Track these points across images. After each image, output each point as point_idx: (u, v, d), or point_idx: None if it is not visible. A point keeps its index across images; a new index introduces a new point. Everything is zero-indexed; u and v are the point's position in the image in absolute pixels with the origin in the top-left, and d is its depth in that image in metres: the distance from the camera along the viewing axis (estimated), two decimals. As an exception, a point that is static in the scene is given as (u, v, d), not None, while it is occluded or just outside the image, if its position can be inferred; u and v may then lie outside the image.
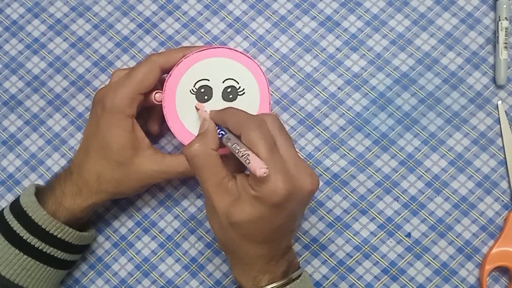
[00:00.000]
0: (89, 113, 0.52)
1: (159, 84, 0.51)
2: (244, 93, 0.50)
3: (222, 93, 0.50)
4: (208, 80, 0.50)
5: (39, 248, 0.48)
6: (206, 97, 0.50)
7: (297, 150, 0.42)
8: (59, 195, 0.49)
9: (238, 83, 0.50)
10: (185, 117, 0.50)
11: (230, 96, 0.50)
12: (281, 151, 0.41)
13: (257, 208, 0.40)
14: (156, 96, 0.51)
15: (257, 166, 0.39)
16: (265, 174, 0.38)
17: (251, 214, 0.41)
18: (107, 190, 0.50)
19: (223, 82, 0.50)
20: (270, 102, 0.50)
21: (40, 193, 0.50)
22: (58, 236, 0.48)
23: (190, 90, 0.50)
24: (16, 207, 0.49)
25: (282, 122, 0.44)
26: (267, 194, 0.39)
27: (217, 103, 0.50)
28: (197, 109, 0.50)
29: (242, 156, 0.40)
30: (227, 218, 0.42)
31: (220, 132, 0.44)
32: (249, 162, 0.39)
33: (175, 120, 0.50)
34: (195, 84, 0.50)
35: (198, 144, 0.43)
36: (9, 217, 0.48)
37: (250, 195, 0.41)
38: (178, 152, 0.57)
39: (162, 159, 0.50)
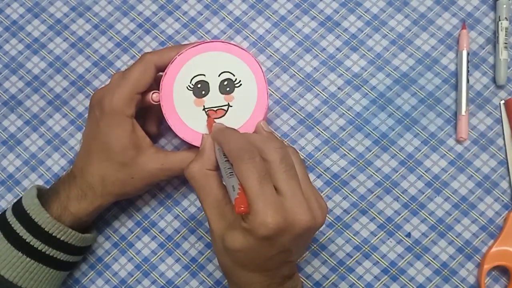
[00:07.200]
0: (89, 113, 0.52)
1: (155, 83, 0.51)
2: (241, 84, 0.50)
3: (219, 86, 0.50)
4: (204, 75, 0.50)
5: (42, 250, 0.48)
6: (203, 92, 0.50)
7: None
8: (64, 200, 0.49)
9: (234, 75, 0.50)
10: (184, 113, 0.50)
11: (228, 89, 0.50)
12: (278, 183, 0.40)
13: (247, 239, 0.40)
14: (153, 96, 0.50)
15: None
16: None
17: (241, 244, 0.40)
18: (112, 192, 0.50)
19: (219, 75, 0.50)
20: (267, 91, 0.50)
21: (44, 196, 0.49)
22: (61, 238, 0.48)
23: (187, 87, 0.50)
24: (18, 209, 0.48)
25: (287, 144, 0.41)
26: (255, 227, 0.39)
27: (215, 97, 0.50)
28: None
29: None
30: (222, 242, 0.41)
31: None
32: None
33: (175, 118, 0.50)
34: (191, 80, 0.50)
35: (194, 164, 0.42)
36: (11, 219, 0.48)
37: (240, 225, 0.40)
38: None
39: (165, 157, 0.50)
